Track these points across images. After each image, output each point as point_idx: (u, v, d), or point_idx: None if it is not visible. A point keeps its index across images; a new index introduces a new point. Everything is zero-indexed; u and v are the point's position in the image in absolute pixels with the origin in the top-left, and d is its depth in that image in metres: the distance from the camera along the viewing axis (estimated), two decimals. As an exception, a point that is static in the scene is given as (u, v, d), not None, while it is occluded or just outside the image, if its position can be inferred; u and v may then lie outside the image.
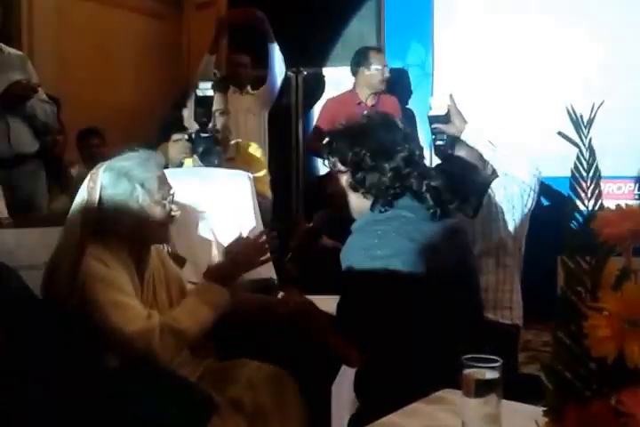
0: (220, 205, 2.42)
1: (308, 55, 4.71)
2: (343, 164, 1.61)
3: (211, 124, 2.56)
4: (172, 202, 1.67)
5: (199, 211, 2.38)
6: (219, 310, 1.60)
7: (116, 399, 1.32)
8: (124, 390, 1.32)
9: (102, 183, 1.61)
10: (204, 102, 2.48)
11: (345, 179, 1.62)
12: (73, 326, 1.51)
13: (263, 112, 4.28)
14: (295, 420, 1.63)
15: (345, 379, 1.82)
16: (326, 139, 1.67)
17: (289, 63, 4.29)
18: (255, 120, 4.25)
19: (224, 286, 1.63)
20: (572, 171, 0.88)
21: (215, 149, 2.53)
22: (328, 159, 1.64)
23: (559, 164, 3.97)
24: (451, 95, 2.49)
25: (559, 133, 0.94)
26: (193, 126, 2.57)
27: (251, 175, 2.59)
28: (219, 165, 2.61)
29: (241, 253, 1.69)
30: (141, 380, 1.38)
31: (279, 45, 4.14)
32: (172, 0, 5.46)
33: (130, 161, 1.65)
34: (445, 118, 2.44)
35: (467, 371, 1.04)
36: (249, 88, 4.32)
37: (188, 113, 2.65)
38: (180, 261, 2.14)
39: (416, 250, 1.49)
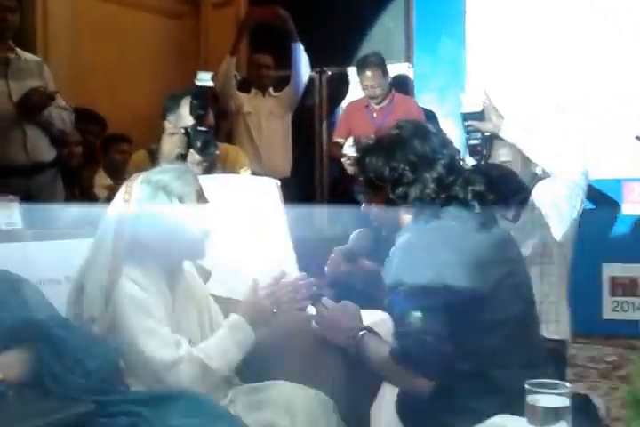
0: (246, 214, 2.38)
1: (333, 54, 4.67)
2: (380, 180, 1.57)
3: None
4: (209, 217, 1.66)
5: (224, 221, 2.35)
6: (245, 350, 1.64)
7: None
8: (149, 416, 1.30)
9: (139, 196, 1.59)
10: (202, 94, 2.42)
11: (384, 194, 1.58)
12: (100, 346, 1.49)
13: (287, 115, 4.25)
14: (334, 445, 1.58)
15: (384, 401, 1.77)
16: (355, 155, 1.63)
17: (312, 63, 4.25)
18: (278, 123, 4.21)
19: (254, 324, 1.65)
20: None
21: (213, 142, 2.48)
22: (362, 176, 1.61)
23: (600, 165, 3.92)
24: (485, 91, 2.40)
25: (638, 138, 0.89)
26: (188, 121, 2.46)
27: (278, 182, 2.56)
28: (215, 158, 2.52)
29: (279, 294, 1.69)
30: (170, 405, 1.36)
31: (302, 45, 4.12)
32: (188, -1, 5.49)
33: (167, 174, 1.64)
34: (481, 115, 2.34)
35: (532, 397, 0.99)
36: (271, 90, 4.28)
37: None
38: (205, 273, 2.11)
39: (465, 263, 1.45)
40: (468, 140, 2.42)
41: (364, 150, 1.61)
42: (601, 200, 3.80)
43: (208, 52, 5.20)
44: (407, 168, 1.52)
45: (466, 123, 2.37)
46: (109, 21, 4.64)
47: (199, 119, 2.41)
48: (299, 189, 4.27)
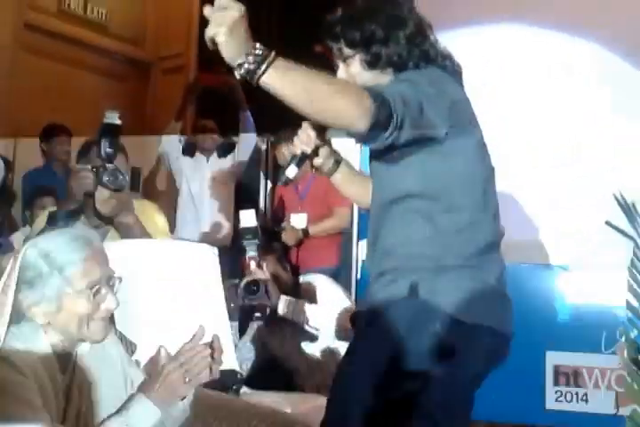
0: (181, 283, 2.13)
1: (281, 122, 4.55)
2: (351, 46, 1.54)
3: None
4: (110, 291, 1.36)
5: (154, 289, 2.09)
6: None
7: None
8: None
9: (22, 264, 1.31)
10: (110, 131, 2.23)
11: (356, 63, 1.54)
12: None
13: (230, 181, 4.03)
14: None
15: None
16: (326, 25, 1.58)
17: (261, 128, 4.10)
18: (221, 189, 3.99)
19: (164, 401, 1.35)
20: (629, 269, 0.76)
21: (124, 176, 2.25)
22: (332, 46, 1.57)
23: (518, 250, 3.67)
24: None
25: (607, 223, 0.77)
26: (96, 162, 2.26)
27: (216, 250, 2.32)
28: (125, 199, 2.26)
29: (182, 368, 1.41)
30: None
31: (250, 111, 3.98)
32: (138, 63, 5.35)
33: (57, 238, 1.37)
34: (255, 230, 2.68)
35: None
36: (215, 155, 4.08)
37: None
38: (131, 346, 1.83)
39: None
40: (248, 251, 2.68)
41: (334, 20, 1.56)
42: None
43: (153, 116, 5.04)
44: (380, 27, 1.52)
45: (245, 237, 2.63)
46: (51, 80, 4.43)
47: (109, 157, 2.19)
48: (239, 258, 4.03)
